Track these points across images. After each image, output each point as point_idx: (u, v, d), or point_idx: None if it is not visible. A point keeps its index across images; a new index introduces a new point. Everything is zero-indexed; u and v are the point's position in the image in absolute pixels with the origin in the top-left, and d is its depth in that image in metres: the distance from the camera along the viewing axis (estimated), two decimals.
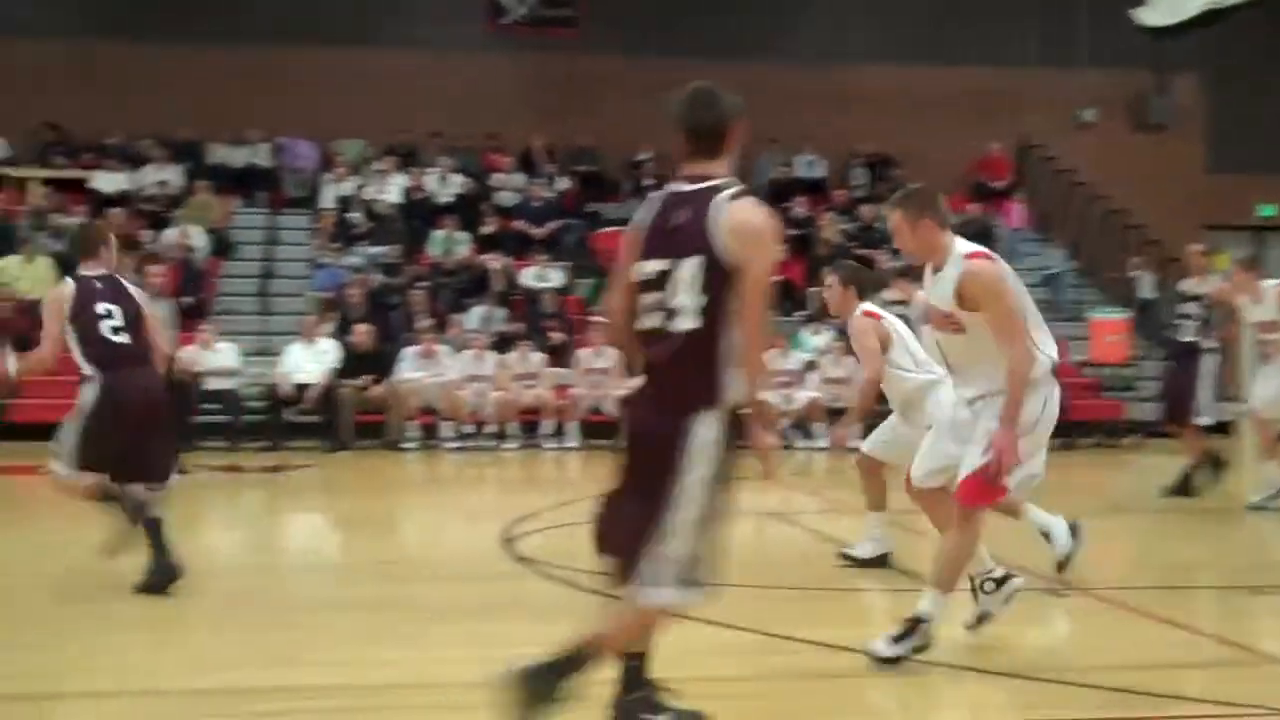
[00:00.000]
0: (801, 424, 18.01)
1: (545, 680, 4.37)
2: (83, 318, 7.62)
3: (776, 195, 23.54)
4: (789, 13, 24.42)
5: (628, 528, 4.42)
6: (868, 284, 8.68)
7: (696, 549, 4.39)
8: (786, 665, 5.99)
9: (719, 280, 4.39)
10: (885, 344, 8.18)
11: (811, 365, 18.44)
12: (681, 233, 4.47)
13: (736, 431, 4.41)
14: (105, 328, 7.63)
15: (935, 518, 6.54)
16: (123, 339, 7.65)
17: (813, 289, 20.76)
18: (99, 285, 7.76)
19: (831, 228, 22.02)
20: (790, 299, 21.18)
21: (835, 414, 17.86)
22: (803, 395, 17.93)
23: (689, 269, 4.41)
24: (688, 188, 4.59)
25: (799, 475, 15.24)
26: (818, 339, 19.09)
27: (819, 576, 8.25)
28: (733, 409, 4.40)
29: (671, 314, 4.44)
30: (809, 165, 24.45)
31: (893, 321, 8.35)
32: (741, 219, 4.42)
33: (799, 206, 22.78)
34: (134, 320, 7.73)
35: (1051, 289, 21.73)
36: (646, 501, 4.36)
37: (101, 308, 7.66)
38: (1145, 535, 10.87)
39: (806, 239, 22.23)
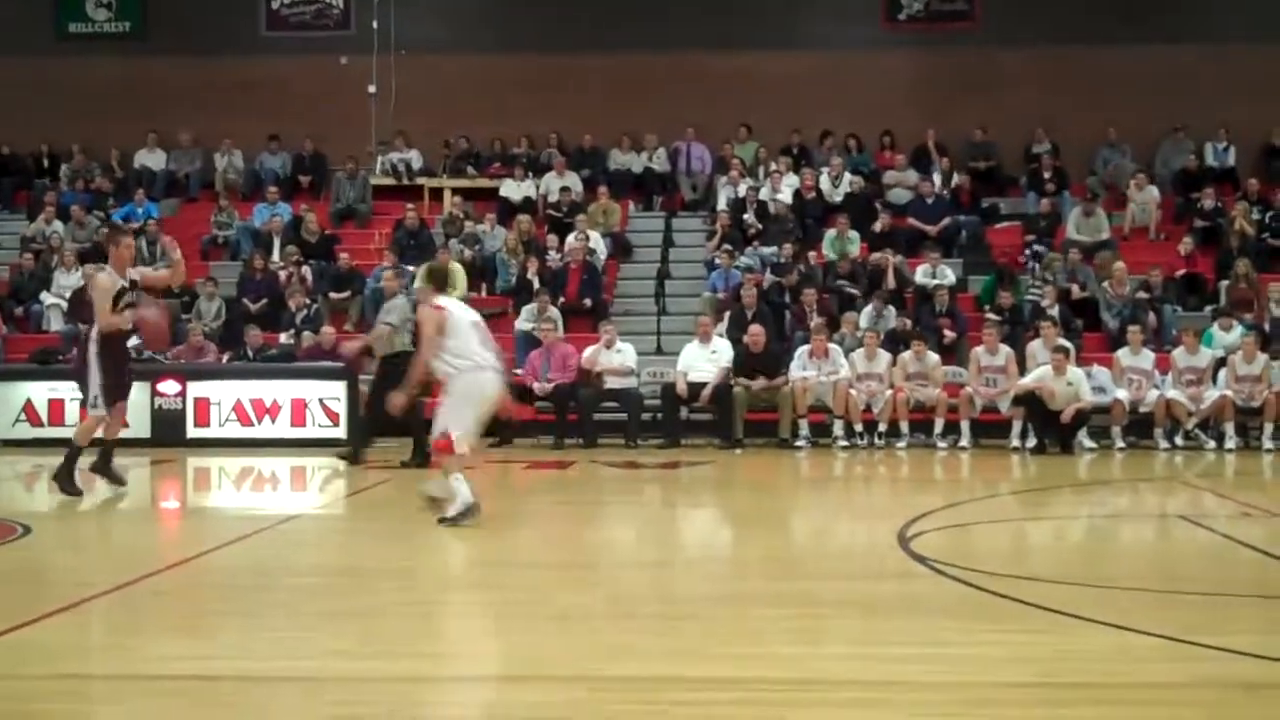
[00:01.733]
0: (1211, 423, 17.18)
1: None
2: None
3: (1185, 185, 22.60)
4: None
5: None
6: None
7: None
8: (1192, 672, 5.74)
9: None
10: None
11: (1222, 362, 17.55)
12: None
13: None
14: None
15: None
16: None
17: (1224, 282, 19.79)
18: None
19: (1243, 218, 20.92)
20: (1199, 293, 20.25)
21: (1245, 413, 17.03)
22: (1212, 394, 17.10)
23: None
24: None
25: (1207, 477, 14.56)
26: (1228, 336, 18.16)
27: (1228, 581, 7.88)
28: None
29: None
30: (1220, 153, 23.32)
31: None
32: None
33: (1207, 198, 21.76)
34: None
35: None
36: None
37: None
38: None
39: (1215, 230, 21.23)
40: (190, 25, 24.66)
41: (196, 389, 17.38)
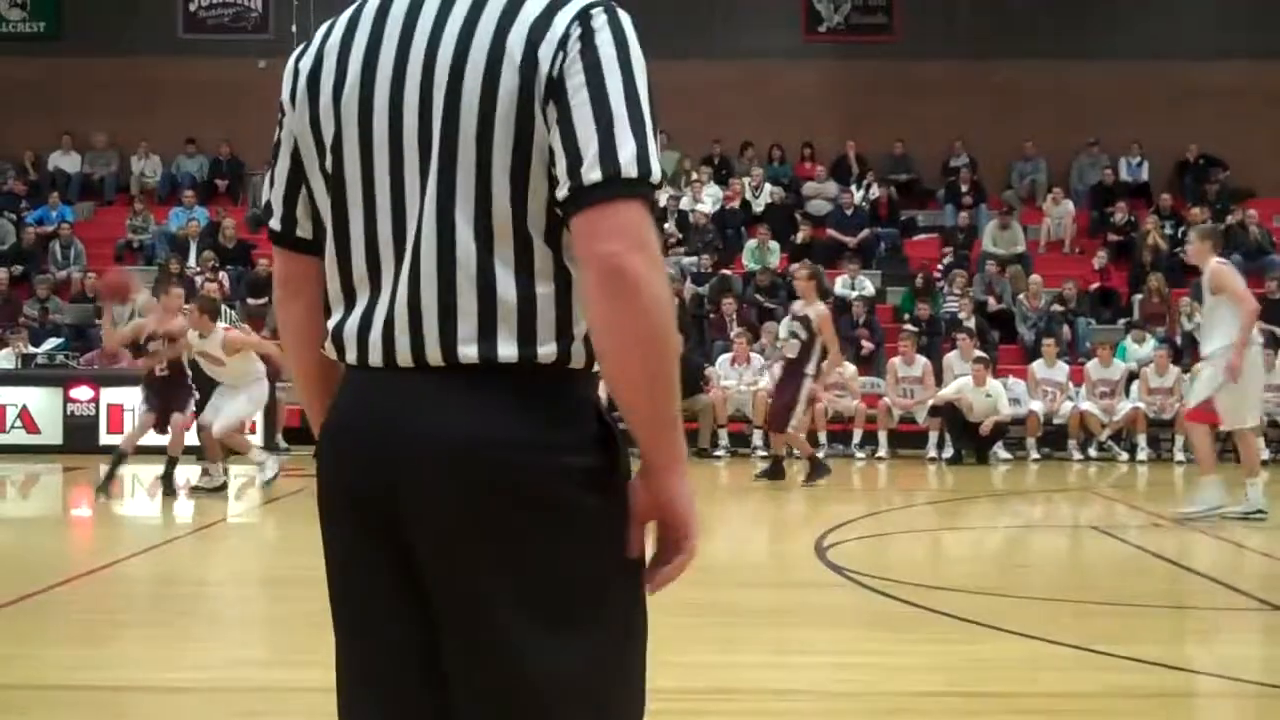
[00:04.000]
0: (1124, 435, 17.41)
1: None
2: None
3: (1100, 199, 22.90)
4: (1108, 12, 23.63)
5: None
6: None
7: None
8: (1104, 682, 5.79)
9: None
10: None
11: (1134, 375, 17.79)
12: None
13: None
14: None
15: None
16: None
17: (1137, 296, 20.08)
18: None
19: (1156, 232, 21.22)
20: (1113, 307, 20.54)
21: (1157, 425, 17.27)
22: (1125, 406, 17.33)
23: None
24: None
25: (1119, 488, 14.74)
26: (1141, 349, 18.41)
27: (1139, 592, 7.96)
28: None
29: None
30: (1134, 168, 23.66)
31: None
32: None
33: (1121, 212, 22.07)
34: None
35: None
36: None
37: None
38: None
39: (1129, 244, 21.53)
40: (106, 26, 24.32)
41: (110, 395, 17.12)
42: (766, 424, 15.04)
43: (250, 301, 20.27)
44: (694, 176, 22.76)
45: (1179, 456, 16.92)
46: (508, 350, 2.11)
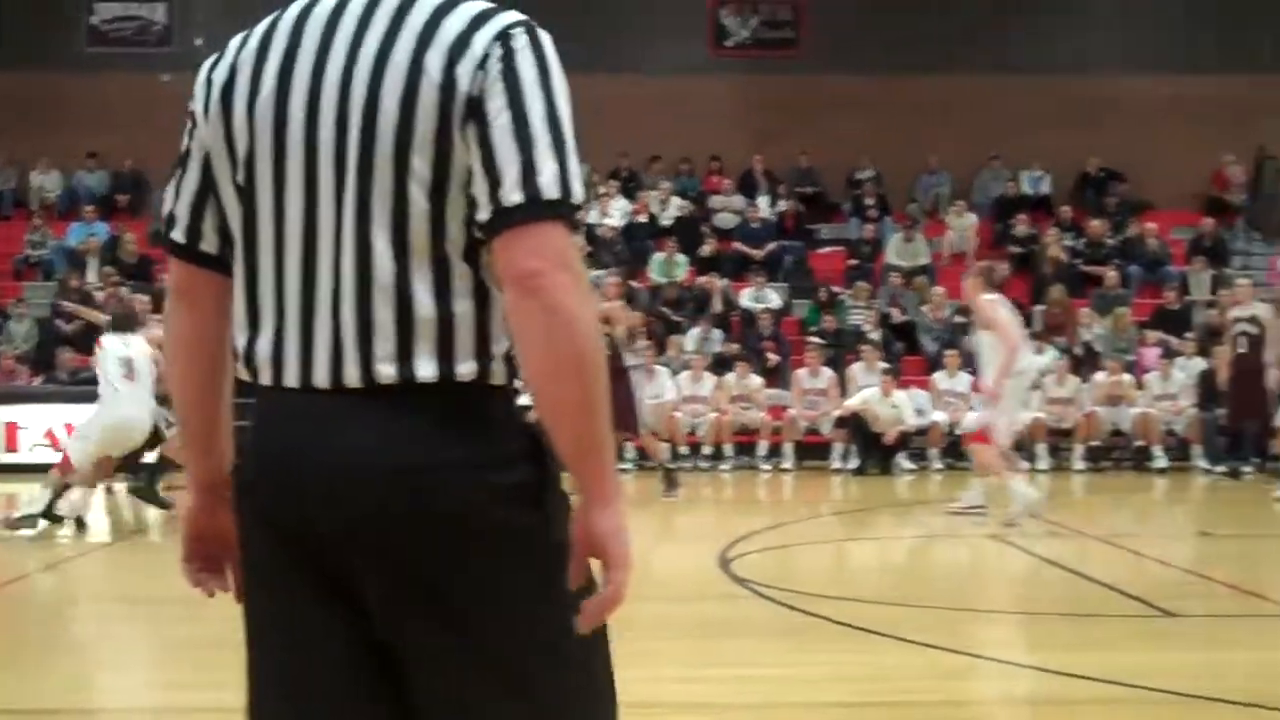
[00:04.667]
0: (1023, 445, 17.63)
1: None
2: None
3: (1002, 212, 23.19)
4: (1013, 27, 23.97)
5: None
6: None
7: None
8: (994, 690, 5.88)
9: None
10: None
11: (1035, 385, 18.03)
12: None
13: None
14: None
15: None
16: None
17: (1038, 307, 20.36)
18: None
19: (1057, 244, 21.55)
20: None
21: (1057, 434, 17.53)
22: (1026, 415, 17.55)
23: None
24: None
25: None
26: (1042, 359, 18.67)
27: (1038, 600, 8.08)
28: None
29: None
30: (1035, 181, 24.00)
31: None
32: None
33: (1022, 224, 22.38)
34: None
35: None
36: None
37: None
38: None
39: (1030, 256, 21.84)
40: (7, 39, 23.92)
41: (6, 413, 16.85)
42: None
43: (152, 318, 20.02)
44: (601, 190, 22.79)
45: (1078, 465, 17.21)
46: (427, 369, 2.08)
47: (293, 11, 2.23)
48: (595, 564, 2.13)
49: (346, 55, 2.13)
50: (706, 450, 17.58)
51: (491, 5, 2.16)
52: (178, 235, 2.33)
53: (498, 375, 2.13)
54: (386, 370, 2.09)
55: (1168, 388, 17.75)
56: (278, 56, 2.19)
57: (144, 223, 22.81)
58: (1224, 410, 16.86)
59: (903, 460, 17.17)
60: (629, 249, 21.56)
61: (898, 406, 16.98)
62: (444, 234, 2.09)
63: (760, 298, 20.30)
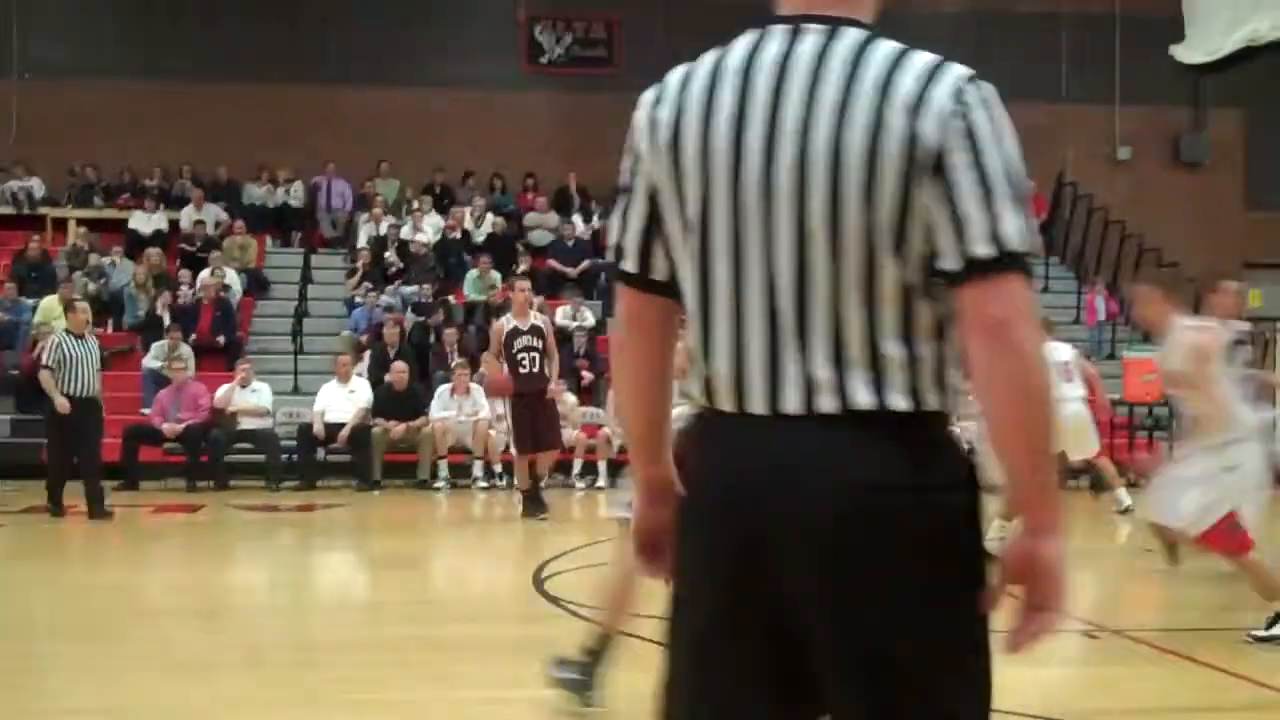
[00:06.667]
0: None
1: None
2: None
3: None
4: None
5: None
6: None
7: None
8: None
9: None
10: None
11: None
12: None
13: None
14: None
15: None
16: None
17: None
18: None
19: None
20: None
21: None
22: None
23: None
24: None
25: None
26: None
27: None
28: None
29: None
30: None
31: None
32: None
33: None
34: None
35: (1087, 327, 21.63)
36: None
37: None
38: (1181, 577, 10.73)
39: None
40: None
41: None
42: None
43: None
44: (415, 205, 22.59)
45: None
46: (899, 401, 2.24)
47: (736, 59, 2.33)
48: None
49: (804, 105, 2.26)
50: None
51: (937, 56, 2.27)
52: (629, 265, 2.49)
53: (948, 406, 2.30)
54: (861, 400, 2.24)
55: None
56: (730, 100, 2.31)
57: None
58: None
59: None
60: (442, 265, 21.41)
61: None
62: (906, 279, 2.24)
63: (576, 315, 20.30)
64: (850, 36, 2.29)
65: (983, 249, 2.19)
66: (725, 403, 2.34)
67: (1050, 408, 2.23)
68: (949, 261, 2.21)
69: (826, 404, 2.24)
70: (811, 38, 2.30)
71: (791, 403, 2.26)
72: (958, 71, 2.26)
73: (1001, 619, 2.27)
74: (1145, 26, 23.28)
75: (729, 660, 2.31)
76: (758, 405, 2.29)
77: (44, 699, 6.15)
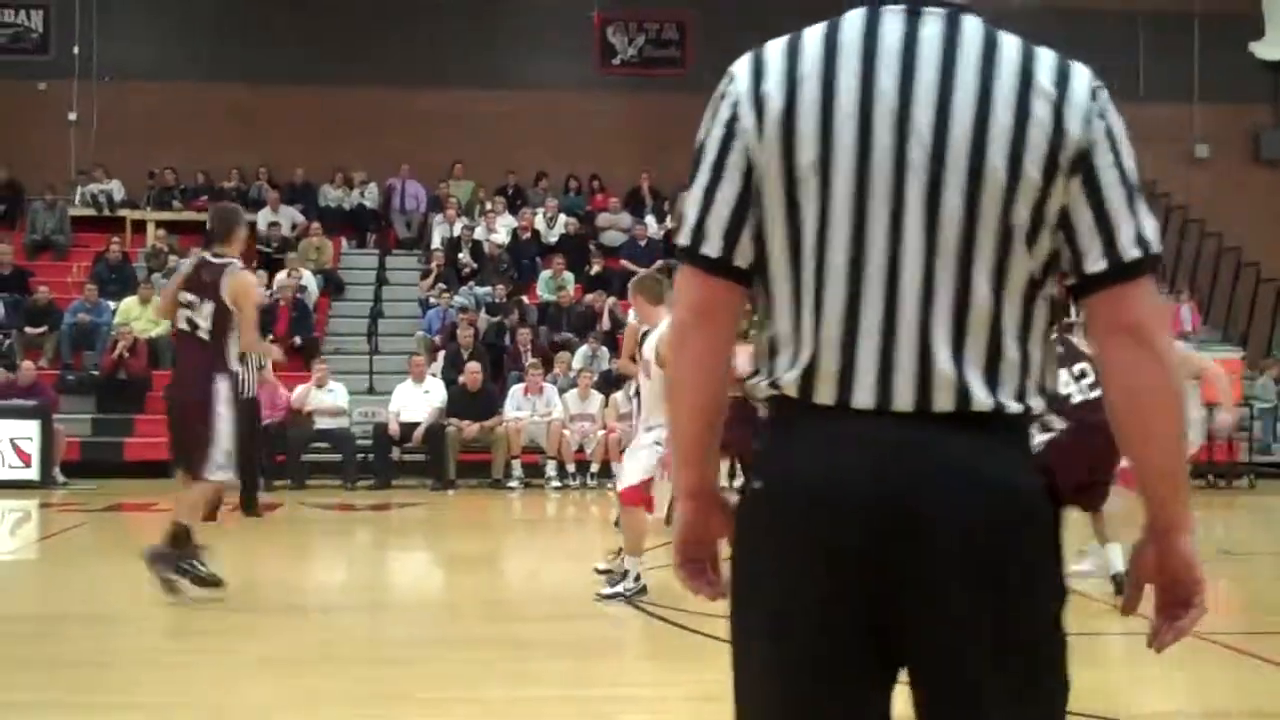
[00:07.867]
0: None
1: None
2: None
3: None
4: None
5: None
6: None
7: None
8: None
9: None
10: None
11: None
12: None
13: None
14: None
15: None
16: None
17: None
18: None
19: None
20: None
21: None
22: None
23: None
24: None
25: None
26: None
27: None
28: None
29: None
30: None
31: None
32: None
33: None
34: None
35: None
36: None
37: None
38: (1259, 578, 10.61)
39: None
40: None
41: None
42: None
43: (28, 330, 19.61)
44: (488, 207, 22.71)
45: None
46: (1011, 401, 2.21)
47: (851, 36, 2.24)
48: None
49: (938, 88, 2.19)
50: (594, 468, 17.53)
51: (1056, 52, 2.24)
52: (710, 249, 2.31)
53: (1040, 410, 2.26)
54: (979, 400, 2.19)
55: None
56: (852, 78, 2.21)
57: (20, 233, 22.35)
58: None
59: None
60: (515, 266, 21.51)
61: None
62: (1032, 276, 2.21)
63: None
64: (973, 23, 2.24)
65: (1133, 252, 2.19)
66: (825, 395, 2.21)
67: (1183, 408, 2.25)
68: (1095, 264, 2.19)
69: (943, 401, 2.18)
70: (934, 20, 2.23)
71: (904, 399, 2.18)
72: (1085, 70, 2.23)
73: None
74: (1224, 23, 23.04)
75: (820, 657, 2.22)
76: (864, 400, 2.20)
77: (116, 693, 6.24)
